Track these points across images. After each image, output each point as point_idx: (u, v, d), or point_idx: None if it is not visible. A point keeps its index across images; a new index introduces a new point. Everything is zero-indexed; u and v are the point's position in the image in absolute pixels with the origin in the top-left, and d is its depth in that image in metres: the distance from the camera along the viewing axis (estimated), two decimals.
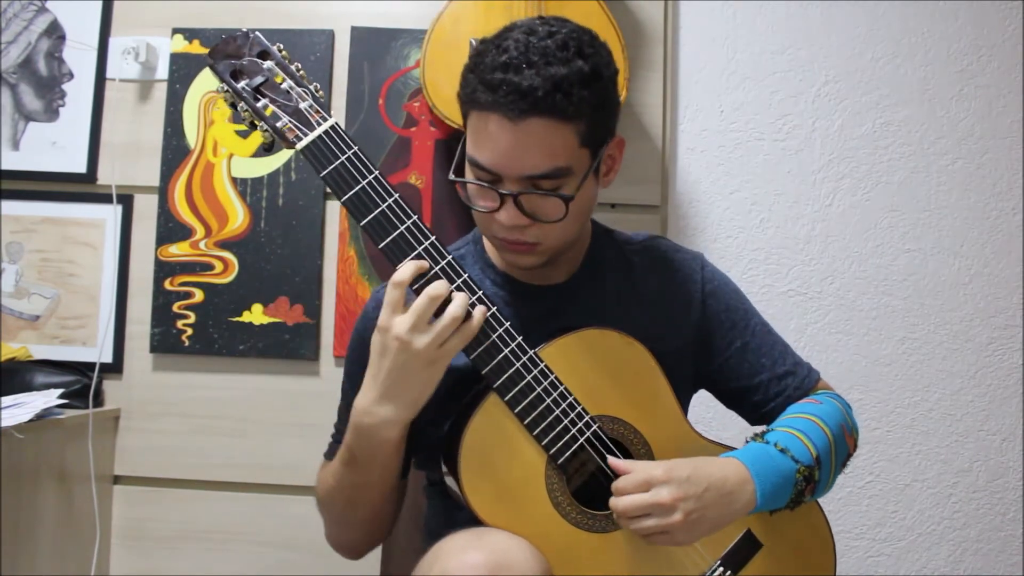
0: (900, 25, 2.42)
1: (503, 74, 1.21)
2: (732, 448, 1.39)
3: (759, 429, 1.39)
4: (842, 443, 1.40)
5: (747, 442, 1.35)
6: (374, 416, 1.24)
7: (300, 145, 1.25)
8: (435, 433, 1.35)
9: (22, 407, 1.94)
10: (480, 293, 1.25)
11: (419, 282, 1.22)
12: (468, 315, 1.23)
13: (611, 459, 1.27)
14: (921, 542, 2.34)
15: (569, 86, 1.21)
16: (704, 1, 2.43)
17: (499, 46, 1.25)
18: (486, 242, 1.48)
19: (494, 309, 1.25)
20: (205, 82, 2.35)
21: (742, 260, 2.38)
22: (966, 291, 2.38)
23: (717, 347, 1.48)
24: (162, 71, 2.38)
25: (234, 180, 2.34)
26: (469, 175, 1.30)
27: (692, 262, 1.51)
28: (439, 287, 1.20)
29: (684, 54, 2.43)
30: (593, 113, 1.25)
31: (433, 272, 1.23)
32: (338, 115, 2.34)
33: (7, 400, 1.98)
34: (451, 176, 1.33)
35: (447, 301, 1.21)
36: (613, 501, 1.23)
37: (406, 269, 1.21)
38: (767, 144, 2.41)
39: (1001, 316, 2.37)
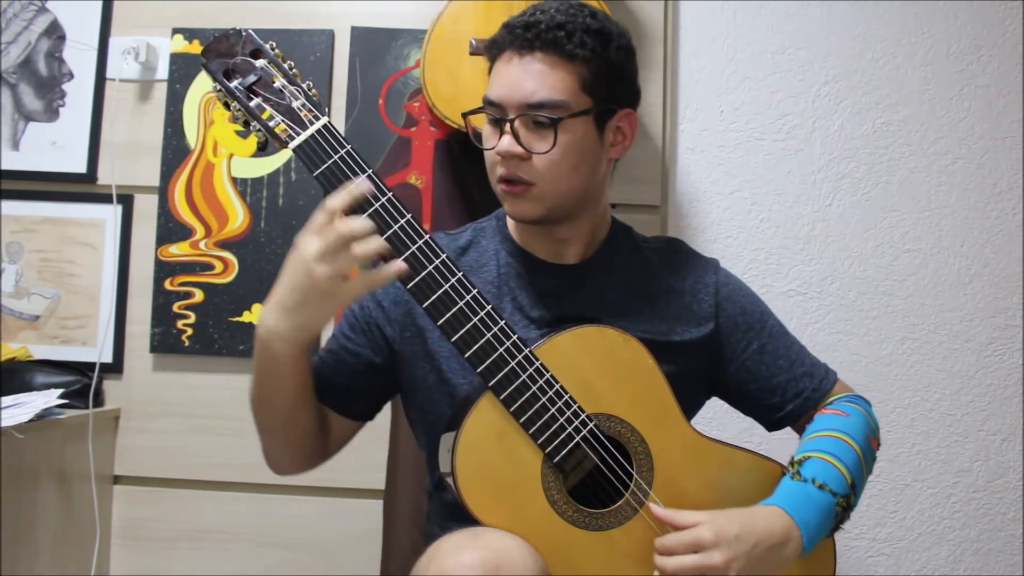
0: (900, 25, 2.42)
1: (519, 19, 1.36)
2: (729, 445, 1.39)
3: (795, 455, 1.38)
4: (870, 454, 1.42)
5: (783, 473, 1.36)
6: (267, 329, 1.26)
7: (293, 144, 1.25)
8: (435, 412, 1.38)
9: (22, 407, 1.94)
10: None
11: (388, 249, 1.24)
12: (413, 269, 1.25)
13: (654, 508, 1.29)
14: (921, 542, 2.34)
15: (572, 28, 1.33)
16: (704, 1, 2.43)
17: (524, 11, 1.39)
18: (508, 218, 1.51)
19: (489, 308, 1.26)
20: (205, 82, 2.35)
21: (742, 260, 2.37)
22: (966, 291, 2.37)
23: (733, 350, 1.48)
24: (162, 71, 2.39)
25: (234, 180, 2.34)
26: (485, 124, 1.39)
27: (707, 265, 1.53)
28: (353, 224, 1.20)
29: (684, 54, 2.43)
30: (597, 64, 1.35)
31: (375, 208, 1.24)
32: (338, 115, 2.35)
33: (7, 400, 1.98)
34: (463, 112, 1.44)
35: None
36: (660, 561, 1.24)
37: (339, 198, 1.21)
38: (767, 144, 2.40)
39: (1001, 316, 2.37)
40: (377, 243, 1.22)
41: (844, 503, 1.32)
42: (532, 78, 1.32)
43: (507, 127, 1.33)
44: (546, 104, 1.32)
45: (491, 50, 1.39)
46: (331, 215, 1.21)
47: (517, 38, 1.33)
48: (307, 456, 1.43)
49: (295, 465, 1.44)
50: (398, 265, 1.23)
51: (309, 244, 1.21)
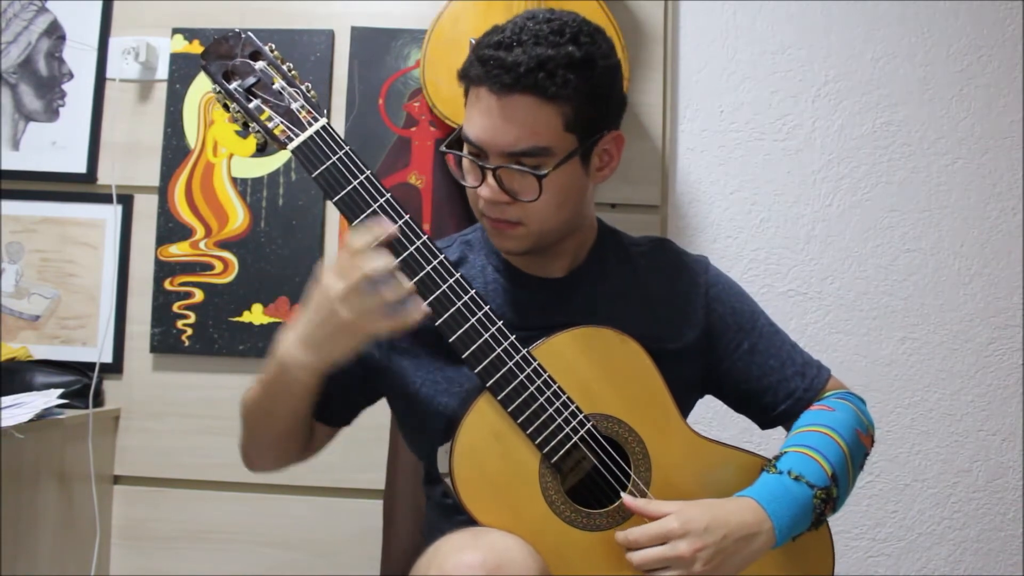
0: (900, 25, 2.42)
1: (494, 51, 1.26)
2: (726, 445, 1.39)
3: (775, 450, 1.38)
4: (858, 448, 1.39)
5: (762, 470, 1.35)
6: (291, 357, 1.27)
7: (291, 146, 1.26)
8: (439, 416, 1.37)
9: (22, 407, 1.94)
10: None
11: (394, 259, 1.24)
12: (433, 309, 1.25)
13: (625, 498, 1.28)
14: (921, 542, 2.34)
15: (555, 67, 1.24)
16: (704, 1, 2.43)
17: (499, 28, 1.30)
18: None
19: (487, 309, 1.26)
20: (205, 82, 2.34)
21: (742, 260, 2.38)
22: (966, 291, 2.37)
23: (724, 350, 1.47)
24: (162, 71, 2.39)
25: (234, 180, 2.34)
26: (465, 154, 1.33)
27: (696, 265, 1.51)
28: (379, 266, 1.20)
29: (684, 54, 2.43)
30: (581, 99, 1.27)
31: (409, 253, 1.25)
32: (338, 115, 2.35)
33: (7, 400, 1.98)
34: (442, 148, 1.37)
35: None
36: (629, 554, 1.23)
37: (363, 237, 1.22)
38: (767, 144, 2.40)
39: (1001, 316, 2.37)
40: (401, 288, 1.22)
41: (823, 495, 1.30)
42: (513, 124, 1.25)
43: (489, 177, 1.29)
44: (529, 152, 1.26)
45: (466, 79, 1.32)
46: (354, 255, 1.21)
47: (494, 79, 1.25)
48: (285, 461, 1.47)
49: (272, 468, 1.47)
50: (423, 307, 1.24)
51: (334, 285, 1.21)
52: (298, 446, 1.44)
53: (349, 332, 1.22)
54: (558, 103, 1.25)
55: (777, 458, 1.34)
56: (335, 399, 1.45)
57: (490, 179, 1.29)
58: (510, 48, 1.25)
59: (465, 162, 1.35)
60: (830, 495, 1.31)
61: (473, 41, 2.03)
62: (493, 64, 1.25)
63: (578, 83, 1.26)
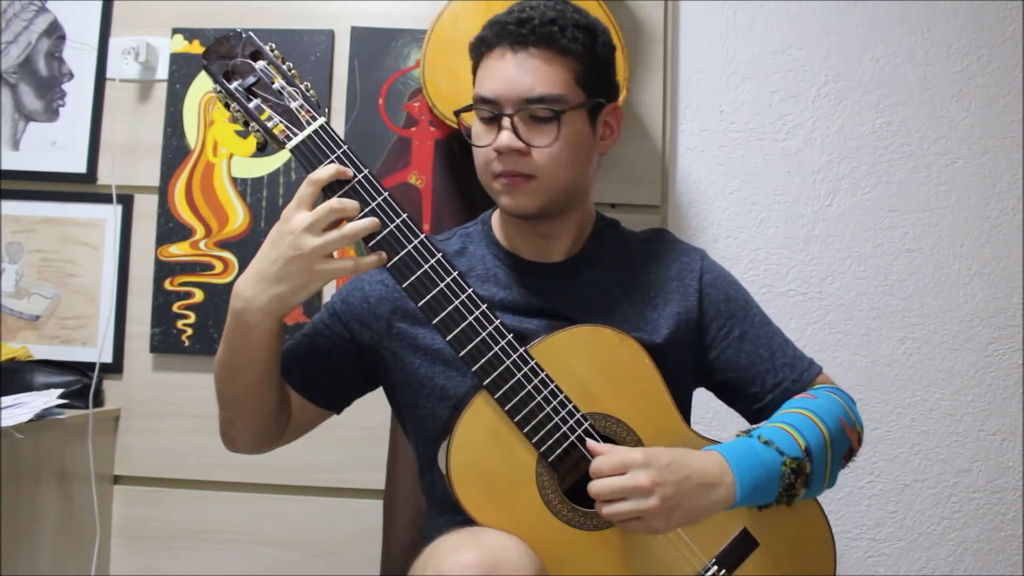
0: (900, 25, 2.42)
1: (506, 16, 1.37)
2: None
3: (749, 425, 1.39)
4: (841, 437, 1.39)
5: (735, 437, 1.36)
6: (243, 299, 1.28)
7: (290, 145, 1.26)
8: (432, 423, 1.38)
9: (22, 407, 1.94)
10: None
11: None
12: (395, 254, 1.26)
13: (589, 442, 1.28)
14: (921, 542, 2.33)
15: (564, 23, 1.35)
16: (704, 1, 2.43)
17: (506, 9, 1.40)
18: (493, 221, 1.52)
19: (484, 307, 1.27)
20: (205, 82, 2.35)
21: (742, 260, 2.37)
22: (966, 291, 2.37)
23: (714, 336, 1.48)
24: (162, 71, 2.39)
25: (234, 180, 2.34)
26: (475, 122, 1.39)
27: (693, 252, 1.54)
28: (345, 202, 1.24)
29: (684, 54, 2.43)
30: (588, 59, 1.37)
31: (356, 181, 1.26)
32: (338, 115, 2.35)
33: (7, 400, 1.98)
34: (454, 111, 1.43)
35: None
36: (591, 484, 1.24)
37: (325, 170, 1.24)
38: (767, 144, 2.40)
39: (1001, 316, 2.37)
40: (366, 223, 1.24)
41: (794, 465, 1.30)
42: (529, 73, 1.33)
43: (506, 122, 1.33)
44: (545, 98, 1.33)
45: (479, 48, 1.40)
46: (317, 185, 1.23)
47: (510, 34, 1.34)
48: (263, 436, 1.44)
49: (250, 443, 1.45)
50: (381, 254, 1.25)
51: (298, 218, 1.22)
52: (268, 414, 1.40)
53: (308, 267, 1.22)
54: (569, 57, 1.35)
55: (752, 428, 1.36)
56: (321, 375, 1.46)
57: (507, 124, 1.33)
58: (522, 12, 1.36)
59: (476, 126, 1.39)
60: (802, 468, 1.31)
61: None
62: (508, 23, 1.35)
63: (584, 41, 1.36)
